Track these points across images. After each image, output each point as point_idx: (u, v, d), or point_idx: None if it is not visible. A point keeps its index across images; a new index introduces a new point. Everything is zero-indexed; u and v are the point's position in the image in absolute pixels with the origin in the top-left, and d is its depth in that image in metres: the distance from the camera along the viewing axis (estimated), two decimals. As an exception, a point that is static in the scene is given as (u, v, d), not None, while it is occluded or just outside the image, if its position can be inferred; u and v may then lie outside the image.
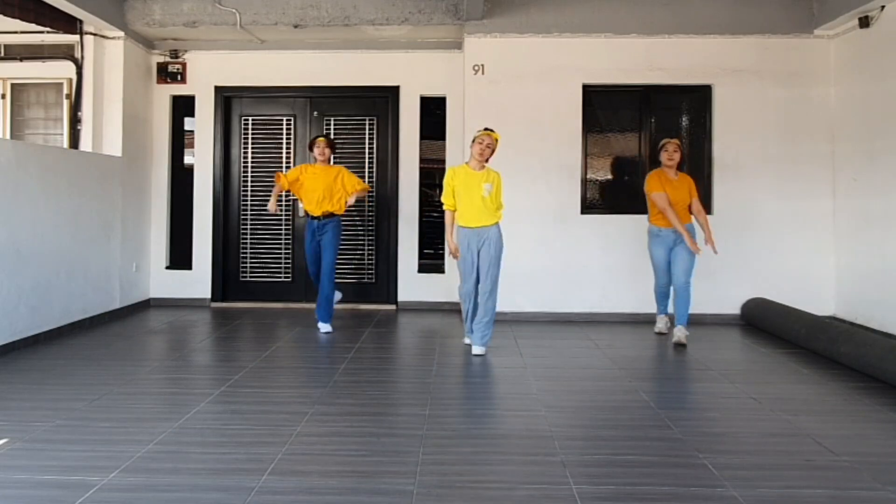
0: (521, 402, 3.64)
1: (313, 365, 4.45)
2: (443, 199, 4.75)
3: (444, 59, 6.69)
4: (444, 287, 6.64)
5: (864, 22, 5.46)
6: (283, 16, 6.18)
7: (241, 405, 3.56)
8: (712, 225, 6.07)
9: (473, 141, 4.65)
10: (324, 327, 5.55)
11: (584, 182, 6.27)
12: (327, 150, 5.54)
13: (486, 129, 4.68)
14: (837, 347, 4.48)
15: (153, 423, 3.23)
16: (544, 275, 6.14)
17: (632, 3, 6.10)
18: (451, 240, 4.70)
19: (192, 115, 6.96)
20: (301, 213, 5.91)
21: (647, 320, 6.02)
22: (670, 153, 5.14)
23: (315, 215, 5.41)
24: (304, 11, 6.17)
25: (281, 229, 6.94)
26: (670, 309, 5.40)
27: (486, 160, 4.67)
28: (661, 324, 5.55)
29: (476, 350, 4.71)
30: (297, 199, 6.88)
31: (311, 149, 5.64)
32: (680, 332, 5.10)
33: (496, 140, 4.65)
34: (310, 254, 5.54)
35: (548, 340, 5.28)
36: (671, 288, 5.26)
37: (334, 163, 6.93)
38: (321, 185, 5.40)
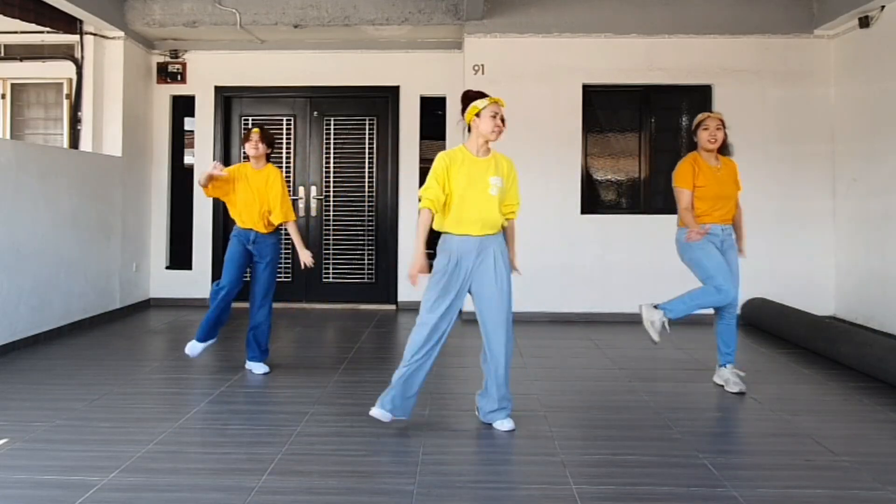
0: (521, 402, 3.63)
1: (313, 365, 4.45)
2: (423, 193, 3.16)
3: (444, 59, 6.69)
4: (444, 287, 6.63)
5: (864, 22, 5.46)
6: (283, 16, 6.18)
7: (241, 405, 3.56)
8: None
9: (479, 114, 3.16)
10: (258, 367, 4.23)
11: (584, 182, 6.27)
12: (261, 146, 4.22)
13: (488, 97, 3.21)
14: (837, 347, 4.48)
15: (153, 423, 3.23)
16: (544, 275, 6.14)
17: (632, 3, 6.10)
18: (420, 251, 3.20)
19: (192, 115, 6.97)
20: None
21: (647, 320, 6.01)
22: (712, 131, 3.94)
23: (245, 227, 4.24)
24: (304, 11, 6.17)
25: (281, 229, 6.92)
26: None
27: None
28: (732, 375, 3.97)
29: (506, 425, 3.22)
30: (296, 199, 6.89)
31: (243, 143, 4.33)
32: (734, 375, 3.93)
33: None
34: (232, 257, 4.21)
35: (548, 340, 5.28)
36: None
37: (336, 164, 6.93)
38: (249, 192, 4.23)
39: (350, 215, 6.91)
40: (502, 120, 3.21)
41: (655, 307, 3.99)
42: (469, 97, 3.26)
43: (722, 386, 3.96)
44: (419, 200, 3.22)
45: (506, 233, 3.33)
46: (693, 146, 4.14)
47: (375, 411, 3.18)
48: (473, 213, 3.17)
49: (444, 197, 3.16)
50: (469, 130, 3.27)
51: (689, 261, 3.97)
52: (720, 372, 4.01)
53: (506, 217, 3.30)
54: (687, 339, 5.27)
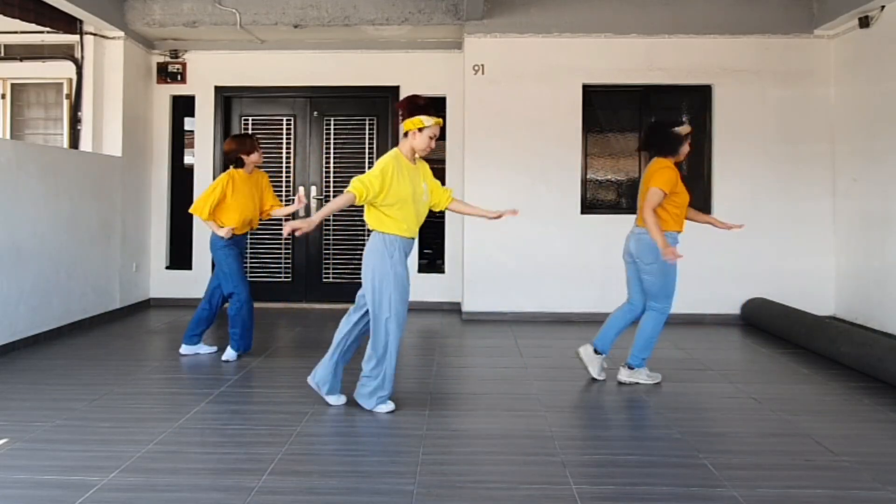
0: (521, 402, 3.63)
1: (313, 365, 4.44)
2: (362, 180, 3.22)
3: (444, 59, 6.69)
4: (444, 287, 6.65)
5: (864, 22, 5.45)
6: (283, 16, 6.18)
7: (241, 405, 3.56)
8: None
9: (421, 129, 3.35)
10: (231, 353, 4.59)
11: (584, 182, 6.27)
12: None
13: (434, 117, 3.39)
14: (837, 347, 4.48)
15: (153, 423, 3.23)
16: (544, 275, 6.14)
17: (632, 3, 6.10)
18: (320, 218, 3.18)
19: (192, 115, 6.97)
20: (227, 232, 4.41)
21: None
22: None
23: (242, 233, 4.54)
24: (304, 11, 6.17)
25: (281, 229, 6.93)
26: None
27: None
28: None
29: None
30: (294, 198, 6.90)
31: (248, 153, 4.46)
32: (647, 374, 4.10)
33: None
34: (240, 269, 4.54)
35: (548, 340, 5.28)
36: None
37: (336, 164, 6.94)
38: (249, 197, 4.51)
39: (350, 215, 6.90)
40: (434, 141, 3.43)
41: (631, 368, 4.03)
42: (417, 105, 3.37)
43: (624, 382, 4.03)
44: (354, 182, 3.24)
45: (463, 208, 3.67)
46: (648, 151, 4.17)
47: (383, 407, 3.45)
48: (414, 217, 3.41)
49: (376, 198, 3.27)
50: (405, 134, 3.41)
51: (661, 270, 3.87)
52: (638, 372, 4.04)
53: (451, 203, 3.62)
54: (687, 339, 5.28)
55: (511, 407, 3.57)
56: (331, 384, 3.54)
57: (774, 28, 6.07)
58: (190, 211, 4.48)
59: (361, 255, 3.40)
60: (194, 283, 6.85)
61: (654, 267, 3.87)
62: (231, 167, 4.50)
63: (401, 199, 3.31)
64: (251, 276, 6.97)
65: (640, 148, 4.18)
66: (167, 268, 6.95)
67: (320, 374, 3.56)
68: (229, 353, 4.51)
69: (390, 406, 3.45)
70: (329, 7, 6.15)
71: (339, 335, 3.55)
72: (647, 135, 4.21)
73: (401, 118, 3.41)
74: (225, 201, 4.39)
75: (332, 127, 6.93)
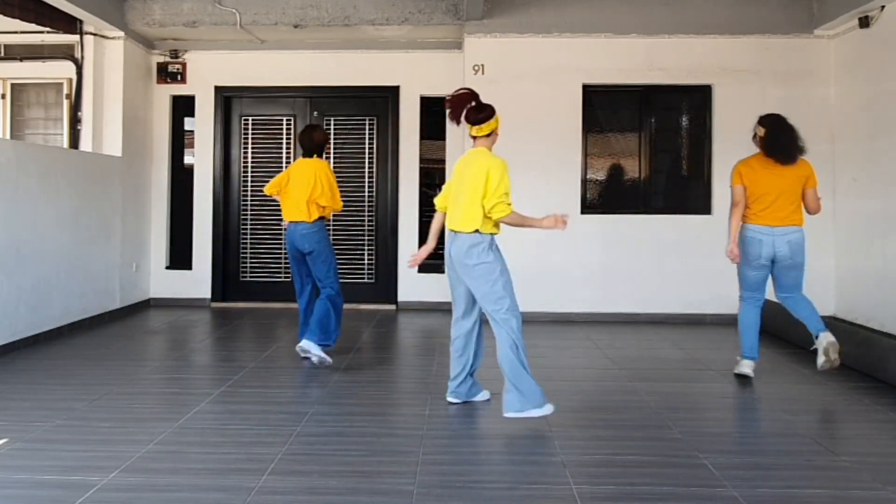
0: (521, 402, 3.63)
1: (313, 365, 4.45)
2: (508, 198, 3.64)
3: (444, 59, 6.69)
4: (444, 287, 6.62)
5: (864, 22, 5.45)
6: (283, 16, 6.18)
7: (241, 405, 3.56)
8: (712, 225, 6.10)
9: (498, 128, 3.74)
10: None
11: (584, 182, 6.27)
12: None
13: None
14: (837, 347, 4.47)
15: (153, 423, 3.23)
16: (544, 275, 6.13)
17: (632, 3, 6.10)
18: (537, 221, 3.78)
19: (192, 115, 6.97)
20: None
21: (647, 320, 6.02)
22: None
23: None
24: (304, 11, 6.17)
25: (281, 229, 6.93)
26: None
27: None
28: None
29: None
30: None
31: (326, 141, 4.76)
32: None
33: None
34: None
35: (548, 340, 5.28)
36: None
37: (336, 163, 6.96)
38: None
39: (350, 215, 6.90)
40: None
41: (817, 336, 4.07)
42: (491, 108, 3.60)
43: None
44: (507, 206, 3.61)
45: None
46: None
47: (538, 412, 3.24)
48: None
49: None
50: (487, 135, 3.67)
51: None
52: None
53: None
54: (687, 339, 5.28)
55: (511, 407, 3.57)
56: (473, 390, 3.59)
57: (774, 28, 6.06)
58: (338, 209, 4.76)
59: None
60: (194, 283, 6.87)
61: (804, 260, 4.13)
62: (315, 157, 4.64)
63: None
64: (251, 277, 6.98)
65: (788, 158, 4.31)
66: (167, 268, 6.95)
67: (464, 393, 3.56)
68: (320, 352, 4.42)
69: (549, 409, 3.25)
70: (329, 7, 6.15)
71: (459, 350, 3.52)
72: (793, 140, 4.35)
73: (482, 119, 3.59)
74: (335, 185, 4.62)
75: (332, 127, 6.93)
